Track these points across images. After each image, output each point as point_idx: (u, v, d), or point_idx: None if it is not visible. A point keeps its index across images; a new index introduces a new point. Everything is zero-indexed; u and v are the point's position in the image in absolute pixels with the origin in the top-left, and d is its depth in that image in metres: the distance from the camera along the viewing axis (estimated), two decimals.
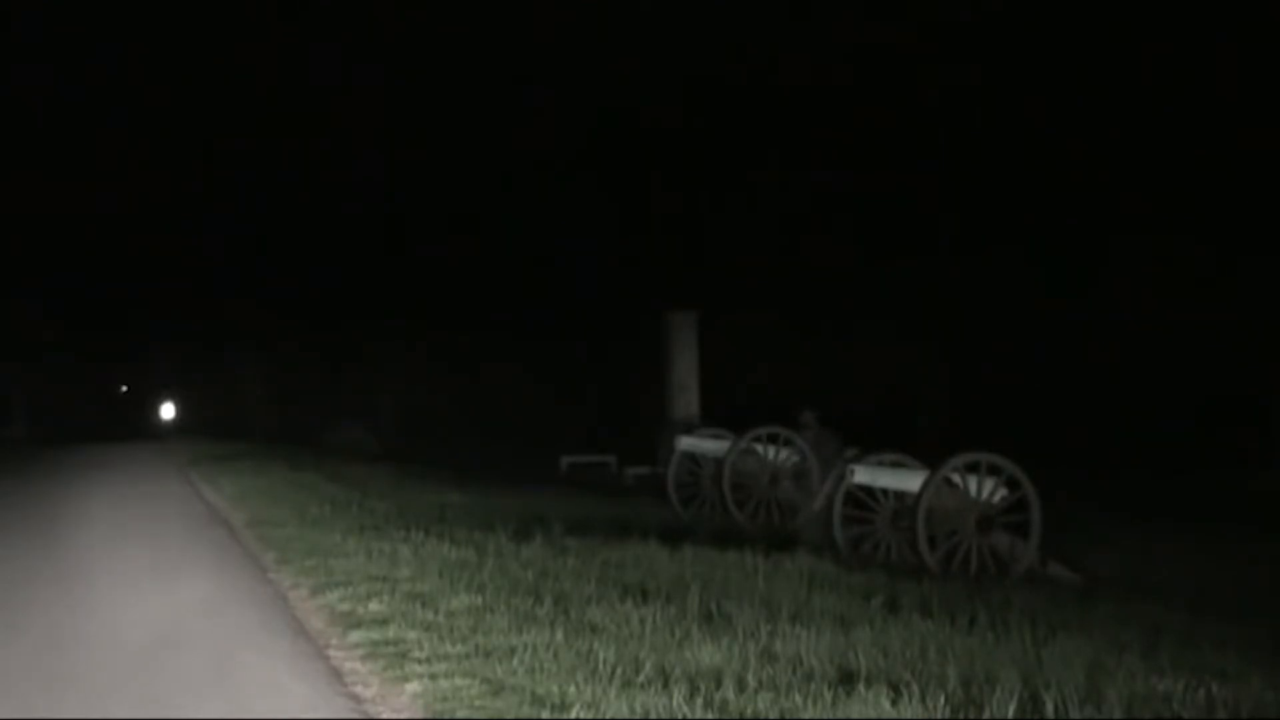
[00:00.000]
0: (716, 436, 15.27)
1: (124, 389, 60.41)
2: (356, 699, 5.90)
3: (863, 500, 11.34)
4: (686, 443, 15.34)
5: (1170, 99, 22.62)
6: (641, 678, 5.85)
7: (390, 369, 39.43)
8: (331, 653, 6.82)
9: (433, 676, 6.09)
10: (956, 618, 7.43)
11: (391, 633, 7.10)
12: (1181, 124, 22.62)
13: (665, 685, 5.71)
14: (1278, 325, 21.12)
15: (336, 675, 6.32)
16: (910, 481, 11.01)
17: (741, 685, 5.72)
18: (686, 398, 19.12)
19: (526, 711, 5.45)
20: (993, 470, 10.71)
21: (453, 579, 8.56)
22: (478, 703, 5.65)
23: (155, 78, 35.90)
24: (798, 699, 5.50)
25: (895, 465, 11.50)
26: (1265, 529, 14.05)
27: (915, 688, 5.60)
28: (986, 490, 10.67)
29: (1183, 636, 7.46)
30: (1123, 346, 23.48)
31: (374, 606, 7.84)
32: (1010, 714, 5.35)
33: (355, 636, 7.09)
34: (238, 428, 42.27)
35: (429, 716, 5.58)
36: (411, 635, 6.98)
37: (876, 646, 6.50)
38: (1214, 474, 19.29)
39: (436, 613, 7.51)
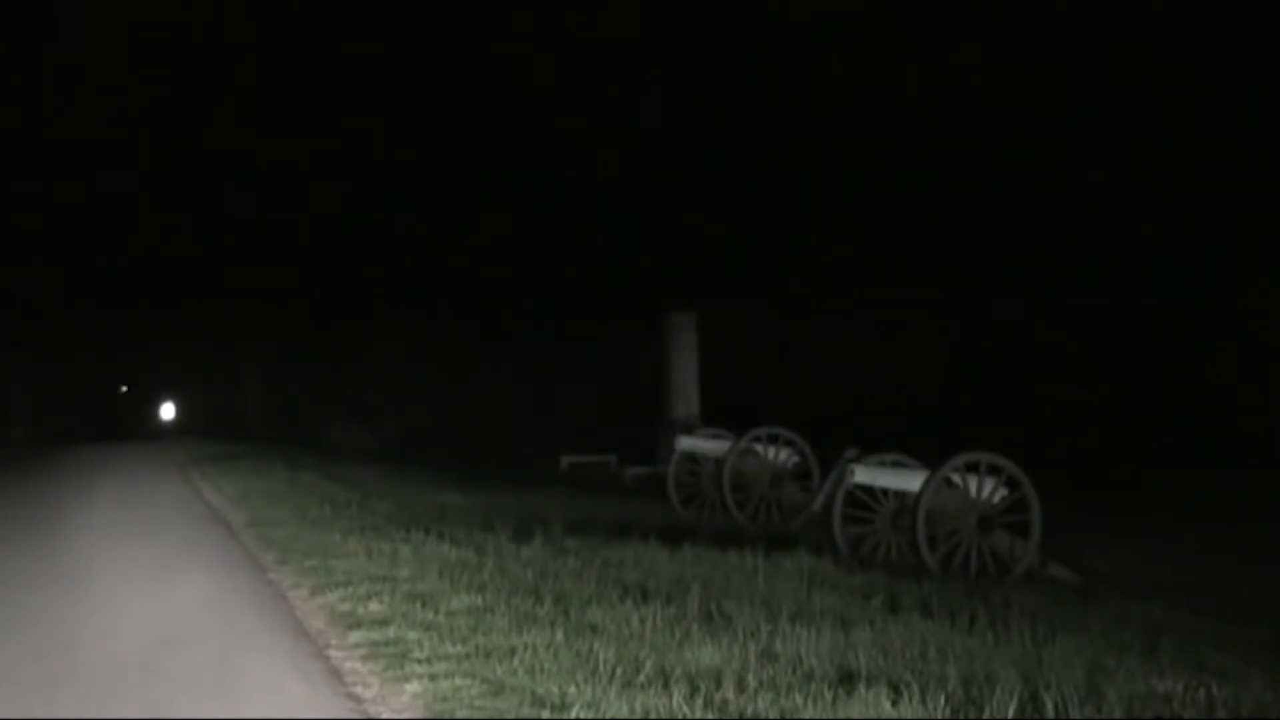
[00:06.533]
0: (716, 436, 15.27)
1: (124, 389, 60.42)
2: (357, 699, 5.90)
3: (863, 500, 11.34)
4: (686, 443, 15.33)
5: (1169, 93, 22.62)
6: (641, 678, 5.85)
7: (390, 369, 39.43)
8: (331, 653, 6.82)
9: (433, 677, 6.09)
10: (956, 618, 7.44)
11: (391, 633, 7.10)
12: (1172, 118, 22.63)
13: (665, 685, 5.71)
14: (1276, 322, 21.10)
15: (336, 675, 6.32)
16: (910, 481, 11.00)
17: (741, 685, 5.72)
18: (686, 398, 19.11)
19: (526, 711, 5.46)
20: (993, 470, 10.69)
21: (453, 579, 8.56)
22: (478, 703, 5.66)
23: (153, 76, 35.88)
24: (798, 699, 5.50)
25: (895, 465, 11.49)
26: (1265, 528, 14.03)
27: (915, 688, 5.61)
28: (986, 490, 10.66)
29: (1183, 636, 7.46)
30: (1122, 345, 23.48)
31: (374, 606, 7.84)
32: (1010, 714, 5.35)
33: (355, 636, 7.09)
34: (238, 428, 42.31)
35: (429, 717, 5.58)
36: (412, 635, 6.99)
37: (876, 646, 6.50)
38: (1214, 473, 19.26)
39: (436, 613, 7.51)
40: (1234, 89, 22.27)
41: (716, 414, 18.07)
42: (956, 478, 10.72)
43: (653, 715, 5.32)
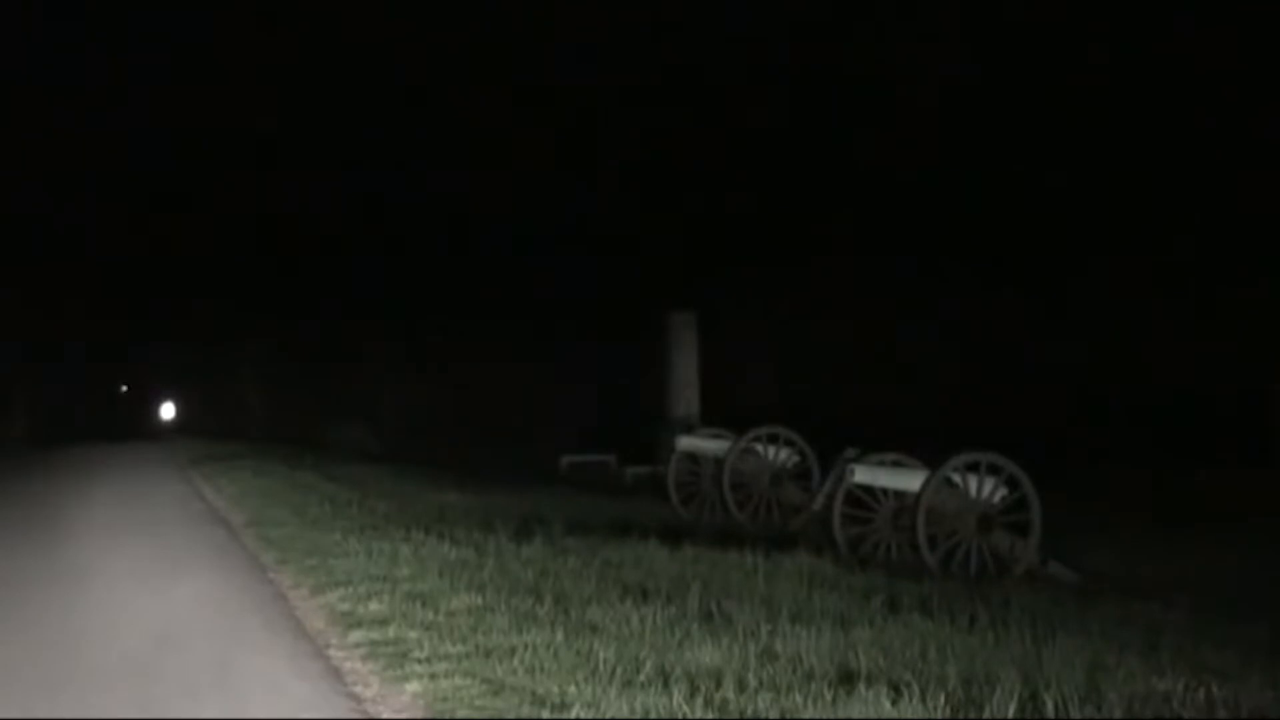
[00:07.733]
0: (716, 436, 15.26)
1: (124, 389, 60.42)
2: (357, 699, 5.90)
3: (863, 500, 11.34)
4: (686, 442, 15.32)
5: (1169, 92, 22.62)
6: (641, 677, 5.85)
7: (390, 369, 39.42)
8: (331, 652, 6.82)
9: (433, 676, 6.10)
10: (956, 617, 7.44)
11: (391, 632, 7.10)
12: (1175, 120, 22.63)
13: (665, 685, 5.71)
14: (1275, 322, 21.10)
15: (337, 675, 6.32)
16: (910, 481, 11.00)
17: (741, 685, 5.72)
18: (686, 398, 19.10)
19: (526, 711, 5.46)
20: (993, 470, 10.70)
21: (453, 579, 8.56)
22: (478, 702, 5.66)
23: (153, 76, 35.90)
24: (798, 699, 5.50)
25: (895, 465, 11.49)
26: (1265, 527, 14.03)
27: (915, 687, 5.61)
28: (986, 490, 10.66)
29: (1183, 636, 7.46)
30: (1122, 345, 23.47)
31: (374, 606, 7.84)
32: (1010, 714, 5.35)
33: (355, 636, 7.09)
34: (238, 428, 42.27)
35: (429, 716, 5.58)
36: (412, 635, 6.99)
37: (876, 646, 6.50)
38: (1213, 473, 19.26)
39: (436, 612, 7.52)
40: (1233, 87, 22.27)
41: (716, 414, 18.06)
42: (956, 477, 10.72)
43: (653, 715, 5.32)
